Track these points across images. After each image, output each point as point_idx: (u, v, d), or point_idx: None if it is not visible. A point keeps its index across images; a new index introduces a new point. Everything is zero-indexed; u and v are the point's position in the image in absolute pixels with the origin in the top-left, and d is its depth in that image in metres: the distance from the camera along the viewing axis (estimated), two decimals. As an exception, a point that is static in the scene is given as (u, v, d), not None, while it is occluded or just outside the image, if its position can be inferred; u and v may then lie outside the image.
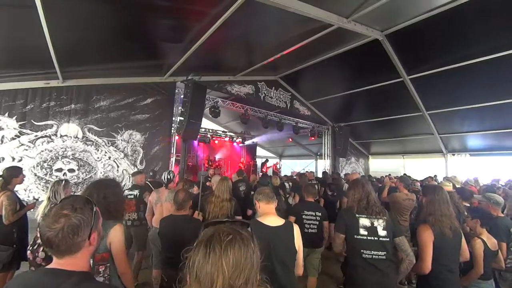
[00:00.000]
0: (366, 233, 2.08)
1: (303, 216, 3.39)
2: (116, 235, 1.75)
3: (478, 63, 5.70)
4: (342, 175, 9.38)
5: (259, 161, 14.64)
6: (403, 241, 2.10)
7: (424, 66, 6.41)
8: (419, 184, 6.43)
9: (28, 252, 2.14)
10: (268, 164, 14.58)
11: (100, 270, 1.71)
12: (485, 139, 8.96)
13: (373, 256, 2.03)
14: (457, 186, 4.75)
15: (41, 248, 2.04)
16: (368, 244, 2.05)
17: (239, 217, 3.20)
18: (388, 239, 2.06)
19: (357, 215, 2.13)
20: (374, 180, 7.89)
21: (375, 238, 2.05)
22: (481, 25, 4.95)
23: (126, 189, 4.24)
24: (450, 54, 5.83)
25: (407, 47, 6.00)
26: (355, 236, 2.08)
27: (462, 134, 9.14)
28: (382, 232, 2.07)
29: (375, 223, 2.09)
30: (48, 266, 1.01)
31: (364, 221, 2.10)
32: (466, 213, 2.87)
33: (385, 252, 2.04)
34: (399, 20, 5.14)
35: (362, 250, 2.05)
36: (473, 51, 5.55)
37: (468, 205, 3.36)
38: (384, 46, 5.84)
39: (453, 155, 10.26)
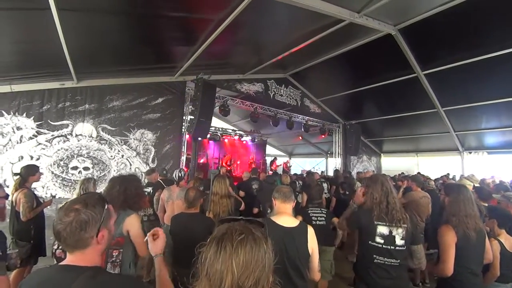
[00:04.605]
0: (382, 241, 1.97)
1: (309, 211, 3.34)
2: (132, 222, 1.86)
3: (495, 57, 5.46)
4: (353, 173, 9.25)
5: (268, 160, 14.60)
6: (420, 249, 2.01)
7: (439, 61, 6.18)
8: (433, 183, 6.24)
9: (59, 251, 2.16)
10: (278, 162, 14.51)
11: (114, 254, 1.79)
12: (504, 136, 8.57)
13: (386, 262, 1.95)
14: (476, 185, 4.60)
15: None
16: (382, 252, 1.96)
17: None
18: (404, 248, 1.97)
19: (375, 222, 2.00)
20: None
21: (391, 247, 1.95)
22: (498, 18, 4.73)
23: None
24: (466, 48, 5.60)
25: (421, 42, 5.79)
26: (370, 242, 1.99)
27: (479, 131, 8.78)
28: (400, 242, 1.96)
29: (394, 232, 1.97)
30: (61, 263, 1.03)
31: (382, 229, 1.99)
32: (485, 213, 2.76)
33: (399, 260, 1.96)
34: (413, 13, 4.98)
35: (374, 256, 1.97)
36: (490, 45, 5.31)
37: (487, 204, 3.24)
38: (397, 41, 5.67)
39: (470, 153, 9.89)
